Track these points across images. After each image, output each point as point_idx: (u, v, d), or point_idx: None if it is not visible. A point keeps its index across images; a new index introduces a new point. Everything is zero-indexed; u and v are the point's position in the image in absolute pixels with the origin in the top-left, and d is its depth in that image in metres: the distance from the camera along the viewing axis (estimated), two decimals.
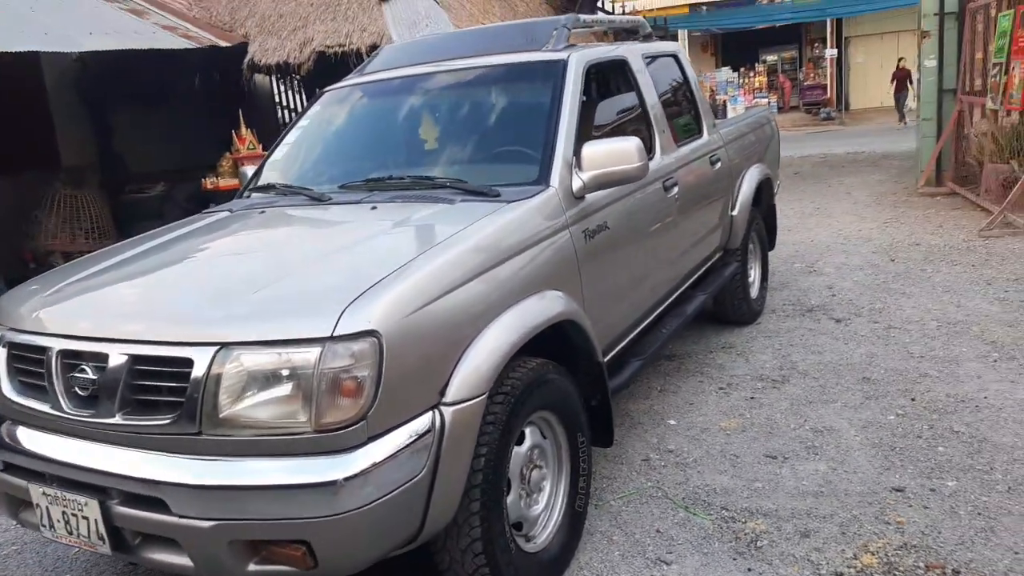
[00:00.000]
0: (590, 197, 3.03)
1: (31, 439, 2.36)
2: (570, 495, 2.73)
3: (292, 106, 13.85)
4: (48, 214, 8.10)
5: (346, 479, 1.93)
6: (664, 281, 3.83)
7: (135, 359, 2.12)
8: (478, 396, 2.22)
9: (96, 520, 2.15)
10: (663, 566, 2.70)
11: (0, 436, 2.44)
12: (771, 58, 26.31)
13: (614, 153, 2.92)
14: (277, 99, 13.40)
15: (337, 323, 1.98)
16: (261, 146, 8.24)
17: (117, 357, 2.14)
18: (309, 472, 1.95)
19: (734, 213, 4.79)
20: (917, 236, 7.52)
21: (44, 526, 2.29)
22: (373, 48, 7.35)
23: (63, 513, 2.22)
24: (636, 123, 3.76)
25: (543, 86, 3.21)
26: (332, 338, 1.97)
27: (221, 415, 2.00)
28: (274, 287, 2.23)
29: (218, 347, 2.02)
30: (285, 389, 1.98)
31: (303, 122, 3.82)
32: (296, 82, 13.30)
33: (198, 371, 2.01)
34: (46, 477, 2.29)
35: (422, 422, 2.10)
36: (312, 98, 3.90)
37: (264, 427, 1.99)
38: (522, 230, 2.65)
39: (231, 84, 11.29)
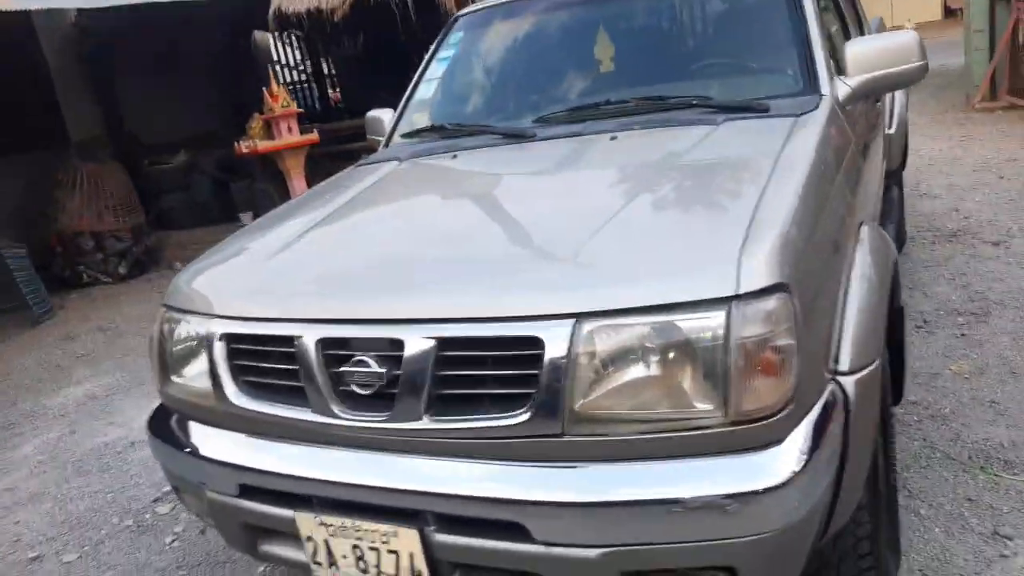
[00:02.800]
0: (849, 110, 2.52)
1: (279, 454, 1.85)
2: (885, 467, 2.28)
3: (294, 64, 13.11)
4: (71, 194, 7.42)
5: (783, 484, 1.46)
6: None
7: (445, 343, 1.61)
8: (874, 361, 1.74)
9: (411, 554, 1.66)
10: (1006, 541, 2.28)
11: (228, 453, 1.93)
12: None
13: (890, 51, 2.41)
14: (276, 58, 12.64)
15: (739, 276, 1.49)
16: (295, 103, 7.59)
17: (419, 342, 1.62)
18: (736, 477, 1.46)
19: (891, 131, 4.31)
20: (1007, 151, 7.10)
21: (319, 563, 1.80)
22: None
23: (354, 547, 1.73)
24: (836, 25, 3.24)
25: None
26: (738, 297, 1.47)
27: (591, 409, 1.51)
28: (604, 238, 1.70)
29: (574, 319, 1.52)
30: (678, 370, 1.49)
31: (445, 53, 3.24)
32: (297, 39, 12.55)
33: (554, 352, 1.51)
34: (314, 502, 1.80)
35: (825, 401, 1.62)
36: (447, 26, 3.32)
37: (654, 421, 1.50)
38: (832, 150, 2.14)
39: (237, 44, 10.57)
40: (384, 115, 3.26)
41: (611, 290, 1.54)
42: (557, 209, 1.99)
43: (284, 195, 8.01)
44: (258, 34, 11.60)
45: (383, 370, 1.66)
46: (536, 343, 1.53)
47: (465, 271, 1.75)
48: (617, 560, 1.50)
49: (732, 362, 1.45)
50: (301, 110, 7.64)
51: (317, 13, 7.11)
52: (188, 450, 2.02)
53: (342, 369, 1.71)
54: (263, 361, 1.87)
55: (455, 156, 2.60)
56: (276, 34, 11.99)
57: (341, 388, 1.73)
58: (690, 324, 1.48)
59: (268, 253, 2.12)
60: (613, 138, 2.34)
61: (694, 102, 2.42)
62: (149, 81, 9.09)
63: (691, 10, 2.83)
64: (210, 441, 1.98)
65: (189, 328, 2.02)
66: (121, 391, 4.85)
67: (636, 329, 1.50)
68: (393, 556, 1.69)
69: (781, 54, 2.52)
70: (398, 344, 1.65)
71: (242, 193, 8.30)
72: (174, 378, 2.08)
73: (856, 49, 2.43)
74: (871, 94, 2.51)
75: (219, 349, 1.91)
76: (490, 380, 1.60)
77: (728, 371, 1.45)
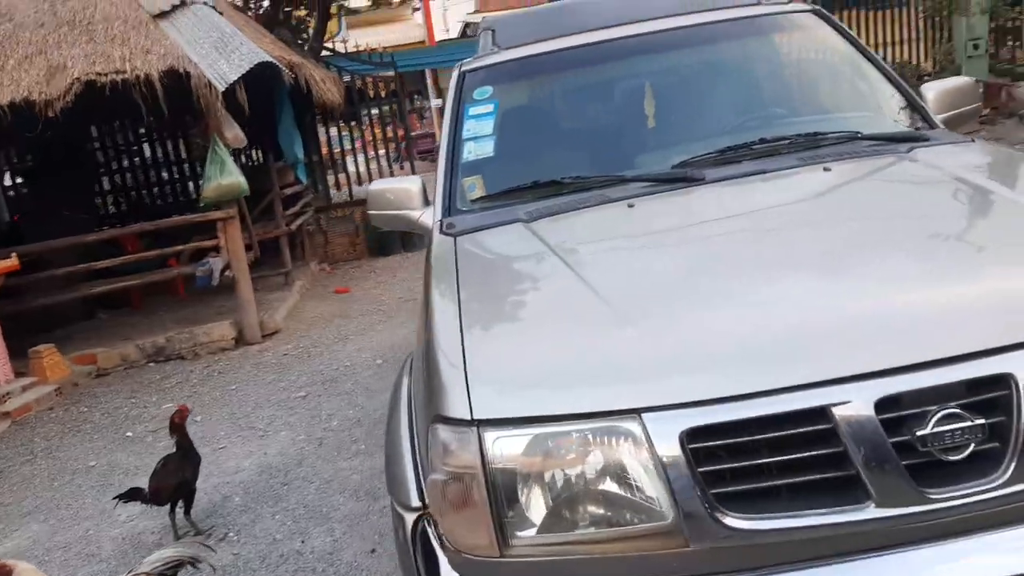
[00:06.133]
0: None
1: None
2: None
3: None
4: None
5: None
6: None
7: None
8: None
9: None
10: None
11: None
12: (375, 111, 26.98)
13: (960, 91, 2.68)
14: None
15: None
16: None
17: None
18: None
19: None
20: None
21: None
22: (170, 72, 5.72)
23: None
24: None
25: (829, 32, 2.82)
26: None
27: None
28: None
29: None
30: None
31: (479, 110, 2.76)
32: None
33: None
34: None
35: None
36: (458, 80, 2.87)
37: None
38: None
39: None
40: (410, 184, 2.66)
41: None
42: (914, 229, 1.79)
43: None
44: None
45: (981, 421, 1.29)
46: None
47: None
48: None
49: None
50: None
51: (25, 105, 5.57)
52: None
53: (920, 434, 1.29)
54: (750, 456, 1.32)
55: (631, 205, 2.20)
56: None
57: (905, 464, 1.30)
58: None
59: (626, 321, 1.53)
60: (827, 170, 2.19)
61: (859, 135, 2.40)
62: None
63: (768, 60, 2.86)
64: None
65: (573, 442, 1.36)
66: None
67: None
68: None
69: (881, 93, 2.65)
70: (1001, 382, 1.30)
71: None
72: (530, 533, 1.37)
73: (936, 91, 2.65)
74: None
75: (673, 455, 1.31)
76: None
77: None
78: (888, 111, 2.61)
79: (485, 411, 1.41)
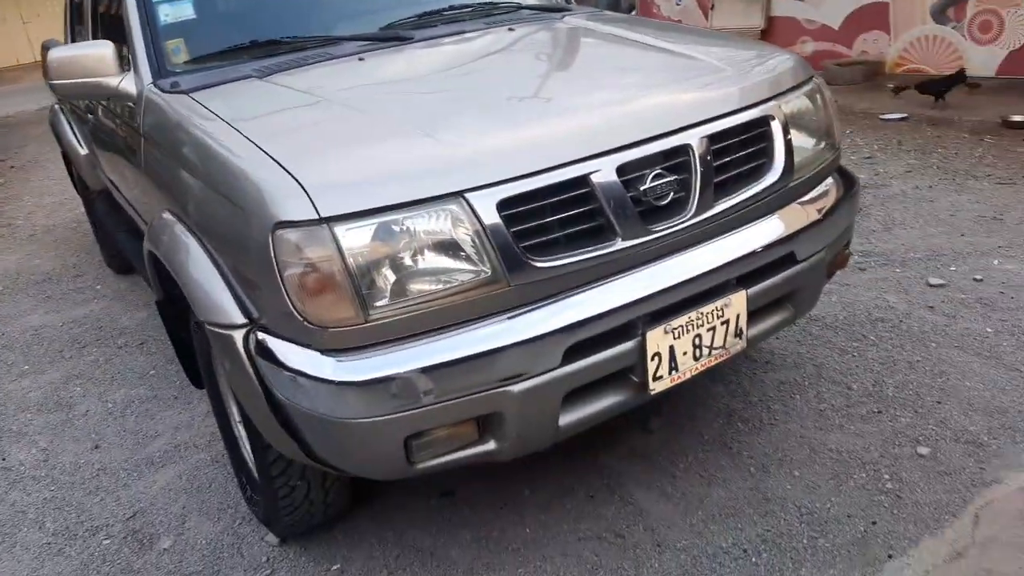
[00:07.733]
0: None
1: (602, 296, 1.84)
2: None
3: None
4: None
5: None
6: None
7: (713, 138, 1.99)
8: None
9: (738, 315, 2.01)
10: None
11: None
12: None
13: None
14: None
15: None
16: None
17: (701, 143, 1.95)
18: None
19: None
20: None
21: (659, 378, 1.92)
22: None
23: (694, 339, 1.94)
24: None
25: None
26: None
27: (802, 157, 2.17)
28: (704, 60, 2.27)
29: (773, 100, 2.13)
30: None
31: None
32: None
33: (779, 124, 2.11)
34: (642, 322, 1.88)
35: None
36: None
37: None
38: None
39: None
40: (104, 48, 2.51)
41: (775, 79, 2.20)
42: (599, 61, 2.46)
43: None
44: None
45: (675, 176, 1.92)
46: (764, 122, 2.10)
47: (701, 81, 2.13)
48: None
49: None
50: None
51: None
52: (475, 354, 1.71)
53: (642, 188, 1.87)
54: (541, 217, 1.79)
55: (362, 59, 2.44)
56: None
57: (629, 208, 1.87)
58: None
59: (423, 132, 1.83)
60: (511, 30, 2.68)
61: (521, 6, 2.94)
62: None
63: None
64: (488, 330, 1.75)
65: (416, 222, 1.68)
66: None
67: (801, 97, 2.23)
68: (724, 327, 1.99)
69: None
70: (684, 150, 1.94)
71: None
72: (384, 301, 1.68)
73: None
74: None
75: (493, 222, 1.71)
76: (742, 159, 2.07)
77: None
78: None
79: (331, 209, 1.64)
